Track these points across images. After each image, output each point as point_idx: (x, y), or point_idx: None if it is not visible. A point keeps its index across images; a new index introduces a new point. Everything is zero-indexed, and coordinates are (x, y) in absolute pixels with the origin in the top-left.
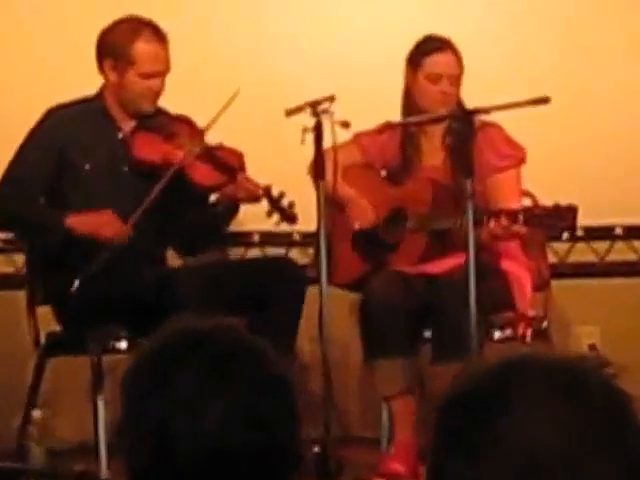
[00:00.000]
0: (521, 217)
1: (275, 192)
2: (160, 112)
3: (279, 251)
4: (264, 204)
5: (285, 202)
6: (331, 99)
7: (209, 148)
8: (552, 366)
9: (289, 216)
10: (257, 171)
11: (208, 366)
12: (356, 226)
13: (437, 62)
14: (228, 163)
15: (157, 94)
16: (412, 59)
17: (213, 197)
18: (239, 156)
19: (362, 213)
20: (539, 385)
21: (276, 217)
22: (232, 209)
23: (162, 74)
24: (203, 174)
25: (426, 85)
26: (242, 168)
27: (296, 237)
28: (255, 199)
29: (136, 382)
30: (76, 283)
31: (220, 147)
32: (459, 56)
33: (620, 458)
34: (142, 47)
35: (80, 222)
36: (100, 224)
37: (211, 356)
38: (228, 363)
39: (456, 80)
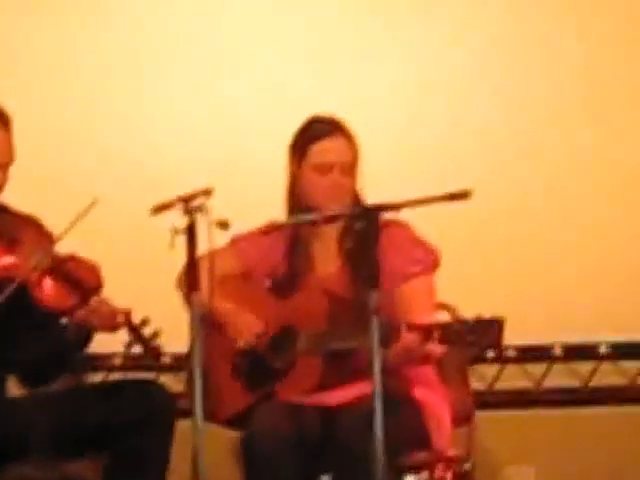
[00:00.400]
0: (436, 333)
1: (136, 319)
2: (3, 210)
3: (146, 376)
4: (124, 333)
5: (147, 331)
6: (207, 193)
7: (59, 259)
8: None
9: (152, 349)
10: (116, 283)
11: None
12: (240, 344)
13: (325, 149)
14: (81, 281)
15: None
16: (296, 146)
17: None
18: (95, 272)
19: (245, 327)
20: None
21: (138, 349)
22: (84, 336)
23: (3, 164)
24: (50, 293)
25: (314, 177)
26: (98, 287)
27: (166, 360)
28: (112, 328)
29: None
30: None
31: (72, 259)
32: (353, 140)
33: None
34: None
35: None
36: None
37: None
38: None
39: (350, 169)
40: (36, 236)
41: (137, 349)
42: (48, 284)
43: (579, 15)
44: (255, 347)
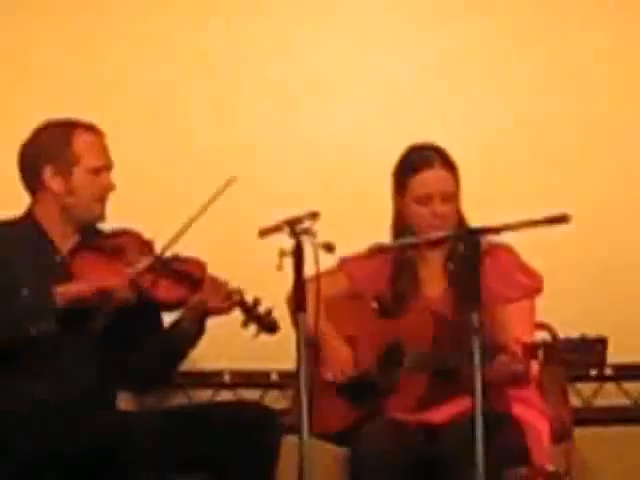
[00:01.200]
0: (540, 352)
1: (249, 298)
2: (99, 232)
3: (254, 393)
4: (238, 315)
5: (262, 309)
6: (314, 216)
7: (164, 260)
8: None
9: (268, 325)
10: None
11: None
12: (328, 378)
13: (424, 181)
14: (189, 273)
15: (108, 193)
16: (397, 178)
17: (177, 315)
18: (199, 263)
19: (338, 364)
20: None
21: (253, 328)
22: (199, 326)
23: (109, 168)
24: (164, 289)
25: (416, 207)
26: (205, 276)
27: (274, 377)
28: (227, 308)
29: None
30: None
31: (176, 257)
32: (452, 167)
33: None
34: (82, 140)
35: (73, 286)
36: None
37: None
38: None
39: (451, 197)
40: (137, 244)
41: (252, 328)
42: (161, 282)
43: None
44: (345, 382)
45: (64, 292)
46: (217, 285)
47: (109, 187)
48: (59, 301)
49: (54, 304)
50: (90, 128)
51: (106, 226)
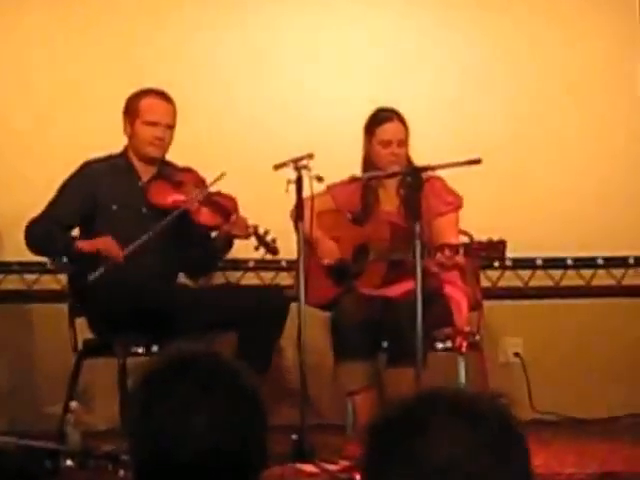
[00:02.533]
0: (461, 250)
1: (261, 230)
2: (170, 165)
3: (270, 274)
4: (253, 240)
5: (269, 238)
6: (310, 157)
7: (210, 194)
8: (457, 398)
9: (272, 250)
10: (251, 214)
11: (192, 385)
12: (324, 262)
13: (386, 130)
14: (224, 206)
15: (160, 141)
16: (367, 129)
17: (214, 234)
18: (233, 201)
19: (328, 252)
20: (446, 414)
21: (262, 250)
22: (227, 244)
23: (164, 125)
24: (205, 216)
25: (379, 149)
26: (236, 210)
27: (283, 264)
28: (246, 236)
29: (138, 395)
30: (91, 276)
31: (218, 193)
32: (405, 123)
33: (509, 471)
34: (146, 101)
35: (86, 244)
36: (101, 244)
37: (195, 377)
38: (208, 383)
39: (403, 143)
40: (194, 179)
41: (261, 251)
42: (203, 210)
43: None
44: (335, 263)
45: (82, 247)
46: (241, 219)
47: (157, 139)
48: (79, 249)
49: (74, 249)
50: (158, 94)
51: (179, 162)
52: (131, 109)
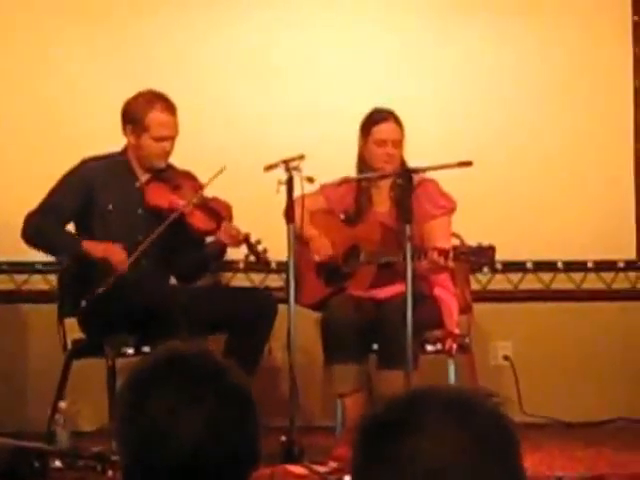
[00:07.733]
0: (451, 254)
1: (253, 239)
2: (170, 167)
3: (259, 275)
4: (244, 248)
5: (260, 248)
6: (300, 158)
7: (205, 199)
8: (447, 397)
9: (262, 260)
10: (243, 214)
11: (181, 384)
12: (316, 259)
13: (382, 130)
14: (218, 212)
15: (167, 154)
16: (363, 128)
17: (209, 239)
18: (227, 207)
19: (321, 249)
20: (438, 412)
21: (253, 259)
22: (219, 251)
23: (171, 138)
24: (198, 219)
25: (374, 148)
26: (229, 218)
27: (273, 265)
28: (237, 244)
29: (126, 395)
30: (83, 303)
31: (214, 199)
32: (401, 124)
33: (502, 470)
34: (154, 116)
35: (94, 246)
36: (109, 251)
37: (184, 376)
38: (197, 383)
39: (398, 144)
40: (191, 184)
41: (252, 259)
42: (197, 214)
43: None
44: (327, 261)
45: (89, 249)
46: (232, 227)
47: (165, 152)
48: (84, 250)
49: (78, 250)
50: (165, 106)
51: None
52: (136, 120)
